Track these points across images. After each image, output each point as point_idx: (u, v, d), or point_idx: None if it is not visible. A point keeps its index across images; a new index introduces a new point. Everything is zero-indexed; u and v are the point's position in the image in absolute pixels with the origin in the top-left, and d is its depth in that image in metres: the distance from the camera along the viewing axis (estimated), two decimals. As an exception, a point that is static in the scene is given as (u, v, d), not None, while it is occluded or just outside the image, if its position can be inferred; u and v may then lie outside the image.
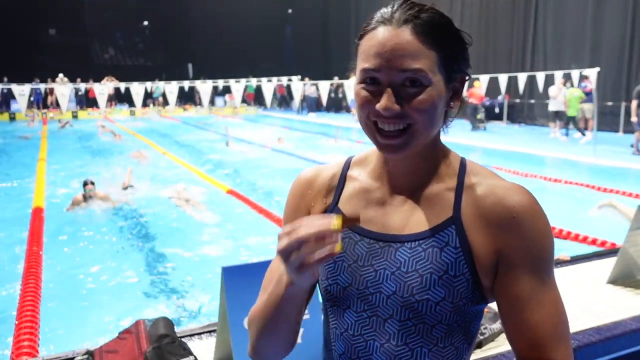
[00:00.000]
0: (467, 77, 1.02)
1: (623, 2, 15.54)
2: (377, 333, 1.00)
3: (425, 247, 0.97)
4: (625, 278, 3.54)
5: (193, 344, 2.80)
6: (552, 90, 14.46)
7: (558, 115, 14.66)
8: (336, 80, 19.56)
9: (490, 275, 0.97)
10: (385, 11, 0.97)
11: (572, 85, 14.46)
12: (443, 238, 0.97)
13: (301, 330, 2.51)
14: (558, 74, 14.17)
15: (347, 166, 1.12)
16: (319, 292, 1.12)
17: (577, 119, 14.91)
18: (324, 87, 14.33)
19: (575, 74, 13.60)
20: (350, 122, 18.18)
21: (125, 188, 7.69)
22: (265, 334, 1.04)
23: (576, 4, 16.92)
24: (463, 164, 1.04)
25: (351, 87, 14.53)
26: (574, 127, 15.14)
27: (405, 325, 0.98)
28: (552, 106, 14.57)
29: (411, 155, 1.00)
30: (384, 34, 0.94)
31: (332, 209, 1.09)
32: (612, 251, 4.16)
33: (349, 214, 0.93)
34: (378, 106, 0.93)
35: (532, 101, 18.73)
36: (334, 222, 0.81)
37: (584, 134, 14.46)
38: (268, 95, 12.08)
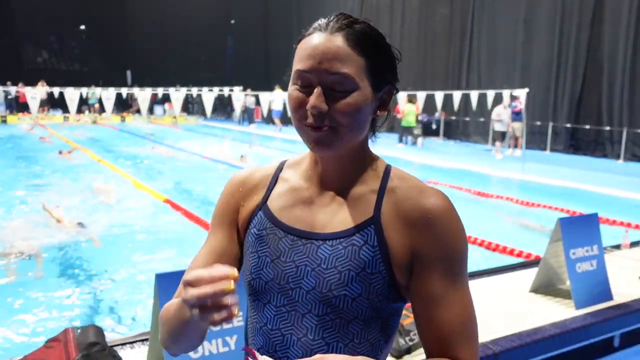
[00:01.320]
0: (394, 90, 1.09)
1: (550, 27, 16.46)
2: (295, 327, 1.04)
3: (345, 245, 1.02)
4: (546, 287, 3.76)
5: (125, 353, 2.75)
6: (497, 112, 14.88)
7: (503, 135, 15.17)
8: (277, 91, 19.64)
9: (405, 274, 1.03)
10: (323, 20, 1.04)
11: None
12: (362, 237, 1.02)
13: (235, 337, 2.53)
14: (490, 93, 14.80)
15: (280, 168, 1.18)
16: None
17: (508, 136, 15.60)
18: (265, 99, 14.34)
19: (506, 93, 14.25)
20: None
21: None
22: (173, 338, 1.07)
23: (507, 28, 17.79)
24: (388, 169, 1.10)
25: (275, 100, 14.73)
26: (410, 135, 16.78)
27: (323, 320, 1.02)
28: (499, 127, 14.98)
29: (340, 158, 1.06)
30: (318, 38, 1.01)
31: (260, 206, 1.13)
32: (535, 262, 4.40)
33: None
34: (308, 105, 0.99)
35: (467, 119, 19.44)
36: (229, 285, 0.80)
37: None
38: (208, 105, 11.95)
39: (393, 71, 1.07)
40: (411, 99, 17.10)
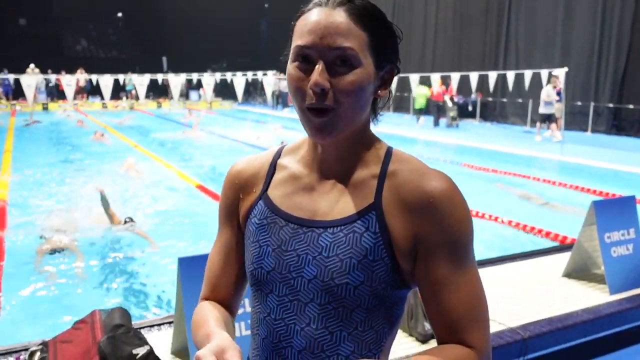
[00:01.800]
0: (396, 71, 1.04)
1: (593, 4, 15.85)
2: (297, 317, 1.02)
3: (346, 233, 0.99)
4: (580, 271, 3.65)
5: (150, 335, 2.80)
6: (547, 93, 14.16)
7: (550, 117, 14.52)
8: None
9: (409, 260, 0.99)
10: None
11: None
12: (364, 224, 0.99)
13: (242, 324, 2.53)
14: (528, 74, 14.37)
15: (278, 155, 1.14)
16: None
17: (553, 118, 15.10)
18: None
19: (544, 73, 13.81)
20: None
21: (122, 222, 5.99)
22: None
23: (547, 6, 17.21)
24: (389, 152, 1.06)
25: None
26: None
27: (325, 309, 0.99)
28: (545, 109, 14.33)
29: (340, 142, 1.01)
30: (318, 13, 0.97)
31: (261, 196, 1.11)
32: (568, 246, 4.27)
33: None
34: (310, 83, 0.94)
35: (504, 100, 18.99)
36: None
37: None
38: (240, 90, 11.99)
39: (395, 50, 1.03)
40: (424, 82, 17.00)
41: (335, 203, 1.03)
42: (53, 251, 4.99)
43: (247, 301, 2.55)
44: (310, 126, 0.98)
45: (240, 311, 2.46)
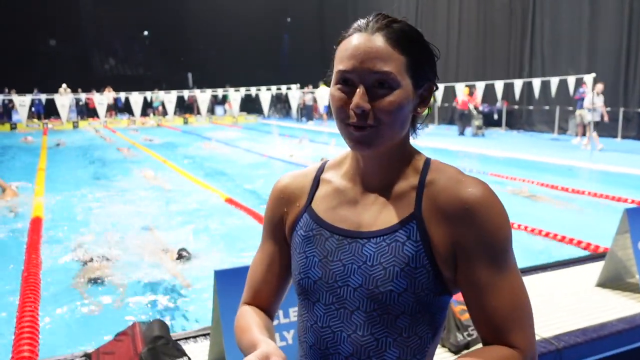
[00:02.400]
0: (435, 87, 1.10)
1: (619, 8, 15.64)
2: (344, 324, 1.07)
3: (389, 242, 1.05)
4: (614, 281, 3.61)
5: (188, 347, 2.86)
6: (590, 100, 13.36)
7: (597, 124, 13.63)
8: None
9: (450, 266, 1.04)
10: (362, 21, 1.06)
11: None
12: (405, 233, 1.04)
13: (292, 332, 2.58)
14: (554, 80, 14.21)
15: (321, 170, 1.21)
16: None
17: (576, 124, 14.85)
18: (322, 95, 14.40)
19: (571, 79, 13.64)
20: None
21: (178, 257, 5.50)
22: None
23: (572, 10, 17.03)
24: (427, 163, 1.11)
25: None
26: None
27: (371, 316, 1.04)
28: (591, 116, 13.38)
29: (381, 155, 1.08)
30: (358, 39, 1.03)
31: (305, 209, 1.17)
32: (602, 255, 4.22)
33: None
34: (352, 105, 1.01)
35: (531, 107, 18.80)
36: None
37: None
38: (265, 104, 12.12)
39: (432, 68, 1.09)
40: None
41: (378, 214, 1.09)
42: (94, 279, 5.03)
43: (281, 312, 2.60)
44: (351, 138, 1.04)
45: (275, 322, 2.52)
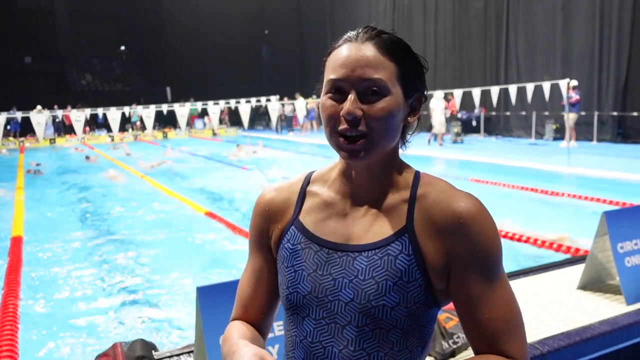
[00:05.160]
0: (424, 98, 1.11)
1: (591, 15, 15.96)
2: (335, 339, 1.05)
3: (381, 255, 1.04)
4: (595, 283, 3.64)
5: (171, 366, 2.81)
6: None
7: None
8: (314, 99, 19.73)
9: (442, 279, 1.04)
10: (352, 33, 1.08)
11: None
12: (397, 247, 1.04)
13: (277, 346, 2.55)
14: (529, 86, 14.44)
15: (307, 181, 1.19)
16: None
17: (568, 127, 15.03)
18: (300, 107, 14.44)
19: (546, 85, 13.86)
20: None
21: None
22: None
23: (546, 18, 17.34)
24: (417, 176, 1.11)
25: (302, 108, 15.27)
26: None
27: (363, 331, 1.03)
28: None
29: (371, 167, 1.07)
30: (349, 48, 1.05)
31: (292, 222, 1.15)
32: (582, 258, 4.26)
33: None
34: (343, 111, 1.01)
35: (508, 113, 19.04)
36: None
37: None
38: (245, 117, 12.11)
39: (422, 79, 1.10)
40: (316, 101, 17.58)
41: (368, 227, 1.08)
42: (74, 298, 4.96)
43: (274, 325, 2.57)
44: (343, 149, 1.03)
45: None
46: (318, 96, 1.12)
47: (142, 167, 13.52)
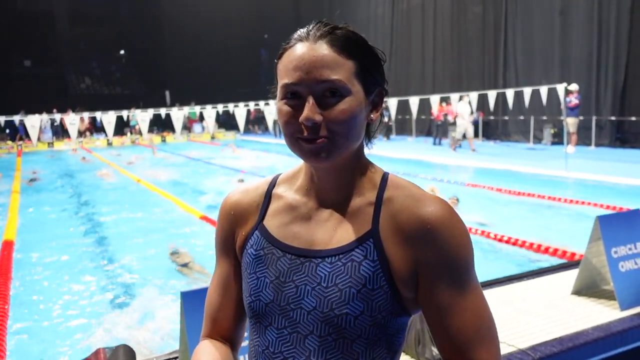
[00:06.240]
0: (385, 92, 1.05)
1: (589, 19, 15.95)
2: (297, 350, 1.00)
3: (344, 262, 0.98)
4: (589, 288, 3.60)
5: (155, 372, 2.76)
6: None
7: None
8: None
9: (409, 287, 0.98)
10: (302, 31, 1.01)
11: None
12: (362, 252, 0.98)
13: (242, 358, 2.50)
14: (527, 91, 14.41)
15: (272, 184, 1.14)
16: None
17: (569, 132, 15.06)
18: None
19: (544, 90, 13.84)
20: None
21: None
22: None
23: (544, 22, 17.33)
24: (384, 178, 1.05)
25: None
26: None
27: (326, 341, 0.98)
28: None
29: (336, 169, 1.01)
30: (301, 49, 0.97)
31: (256, 226, 1.10)
32: (577, 263, 4.22)
33: None
34: (301, 118, 0.94)
35: (506, 118, 19.02)
36: None
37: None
38: (241, 121, 12.08)
39: (381, 73, 1.04)
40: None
41: (332, 232, 1.02)
42: (58, 303, 4.94)
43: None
44: (304, 151, 0.97)
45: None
46: (272, 99, 1.06)
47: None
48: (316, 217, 1.05)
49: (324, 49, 0.96)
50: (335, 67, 0.95)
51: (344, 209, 1.03)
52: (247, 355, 2.48)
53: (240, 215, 1.13)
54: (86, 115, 13.91)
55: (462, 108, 16.00)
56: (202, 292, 2.51)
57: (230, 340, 1.15)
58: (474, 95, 14.98)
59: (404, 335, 1.05)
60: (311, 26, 1.01)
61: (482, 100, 16.43)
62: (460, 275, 0.97)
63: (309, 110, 0.94)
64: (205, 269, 5.69)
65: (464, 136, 16.50)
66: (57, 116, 16.29)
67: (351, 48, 0.98)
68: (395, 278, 0.97)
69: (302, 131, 0.96)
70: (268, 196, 1.12)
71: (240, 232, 1.12)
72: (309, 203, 1.06)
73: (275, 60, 1.03)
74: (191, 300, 2.47)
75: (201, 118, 25.22)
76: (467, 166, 13.16)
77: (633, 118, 15.24)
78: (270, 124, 13.41)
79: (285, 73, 0.98)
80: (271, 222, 1.08)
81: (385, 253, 0.98)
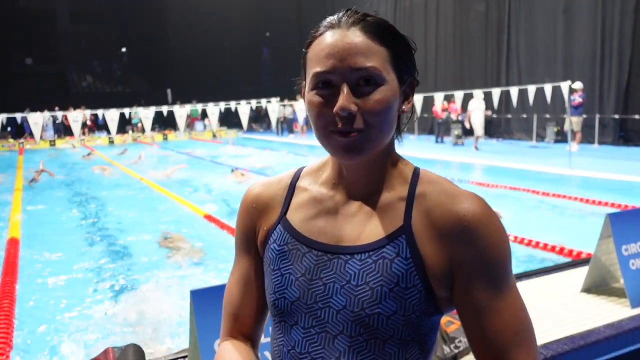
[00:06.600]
0: (416, 82, 1.02)
1: (592, 17, 15.92)
2: (326, 350, 0.96)
3: (375, 259, 0.94)
4: (599, 286, 3.57)
5: (165, 370, 2.74)
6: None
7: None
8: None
9: (444, 286, 0.95)
10: (332, 18, 0.97)
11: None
12: (393, 249, 0.94)
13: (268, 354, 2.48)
14: (531, 89, 14.38)
15: (296, 177, 1.10)
16: None
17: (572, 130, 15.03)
18: (300, 108, 14.39)
19: (548, 88, 13.81)
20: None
21: None
22: None
23: (547, 20, 17.30)
24: (416, 172, 1.02)
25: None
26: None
27: (357, 341, 0.94)
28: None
29: (367, 163, 0.98)
30: (333, 36, 0.93)
31: (279, 220, 1.06)
32: (585, 260, 4.20)
33: None
34: (336, 108, 0.90)
35: (509, 116, 18.99)
36: None
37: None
38: (244, 118, 12.05)
39: (413, 62, 1.00)
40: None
41: (361, 227, 0.98)
42: (66, 302, 4.94)
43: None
44: (337, 146, 0.93)
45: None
46: (297, 93, 1.01)
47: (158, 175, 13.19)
48: (343, 211, 1.01)
49: (357, 35, 0.93)
50: (369, 54, 0.92)
51: (373, 203, 1.00)
52: (267, 352, 2.47)
53: (262, 208, 1.09)
54: (88, 112, 13.87)
55: (475, 105, 15.76)
56: (212, 290, 2.49)
57: (251, 338, 1.12)
58: (477, 93, 14.93)
59: (436, 334, 1.02)
60: (341, 14, 0.97)
61: (486, 99, 16.40)
62: (498, 275, 0.93)
63: (345, 99, 0.90)
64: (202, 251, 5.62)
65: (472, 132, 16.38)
66: (59, 114, 16.26)
67: (384, 35, 0.95)
68: (429, 276, 0.94)
69: (335, 123, 0.92)
70: (292, 189, 1.08)
71: (262, 227, 1.08)
72: (335, 197, 1.02)
73: (304, 50, 0.99)
74: (201, 298, 2.45)
75: (203, 116, 25.22)
76: (470, 163, 13.14)
77: (636, 116, 15.21)
78: (273, 122, 13.34)
79: (316, 61, 0.94)
80: (294, 216, 1.04)
81: (419, 250, 0.94)
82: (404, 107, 1.00)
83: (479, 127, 15.77)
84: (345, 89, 0.91)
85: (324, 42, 0.94)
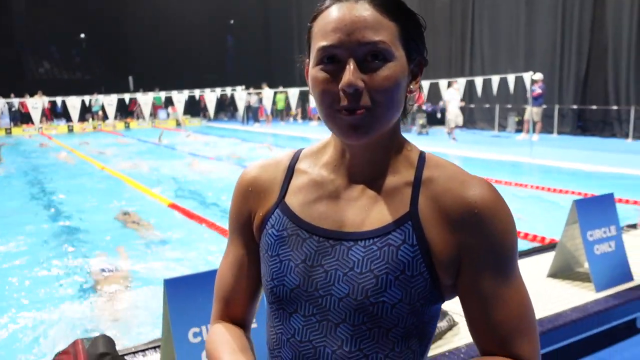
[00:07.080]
0: (425, 62, 0.98)
1: (553, 11, 16.27)
2: (327, 339, 0.93)
3: (380, 245, 0.91)
4: (564, 271, 3.67)
5: (136, 361, 2.69)
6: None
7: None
8: (280, 89, 19.59)
9: (450, 273, 0.93)
10: None
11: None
12: (399, 235, 0.91)
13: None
14: (495, 79, 14.63)
15: (295, 159, 1.06)
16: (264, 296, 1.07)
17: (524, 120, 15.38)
18: (268, 97, 14.27)
19: (511, 78, 14.06)
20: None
21: None
22: None
23: (510, 12, 17.60)
24: (422, 156, 0.99)
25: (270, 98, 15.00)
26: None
27: (359, 330, 0.92)
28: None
29: (371, 144, 0.94)
30: (341, 9, 0.89)
31: (277, 204, 1.02)
32: (550, 246, 4.31)
33: None
34: (341, 84, 0.86)
35: (472, 105, 19.28)
36: None
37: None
38: (211, 107, 11.88)
39: (422, 40, 0.97)
40: (282, 91, 19.13)
41: (364, 213, 0.95)
42: (31, 293, 4.82)
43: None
44: (342, 125, 0.89)
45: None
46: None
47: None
48: (345, 195, 0.97)
49: (365, 8, 0.89)
50: (378, 29, 0.88)
51: (377, 188, 0.96)
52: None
53: (259, 192, 1.04)
54: (46, 100, 13.43)
55: (451, 95, 15.64)
56: (186, 279, 2.45)
57: (241, 323, 1.09)
58: (442, 83, 15.09)
59: (436, 322, 1.00)
60: None
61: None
62: (505, 263, 0.92)
63: (351, 74, 0.86)
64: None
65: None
66: (16, 100, 15.70)
67: (394, 9, 0.91)
68: (435, 264, 0.91)
69: (340, 100, 0.88)
70: (290, 171, 1.04)
71: (259, 210, 1.04)
72: (336, 180, 0.98)
73: (309, 24, 0.95)
74: (174, 288, 2.40)
75: (166, 104, 24.79)
76: (435, 152, 13.26)
77: (594, 107, 15.66)
78: (240, 110, 13.20)
79: (322, 35, 0.89)
80: (293, 200, 1.00)
81: (426, 237, 0.91)
82: (411, 86, 0.96)
83: (453, 117, 15.70)
84: (351, 64, 0.87)
85: (330, 16, 0.90)
